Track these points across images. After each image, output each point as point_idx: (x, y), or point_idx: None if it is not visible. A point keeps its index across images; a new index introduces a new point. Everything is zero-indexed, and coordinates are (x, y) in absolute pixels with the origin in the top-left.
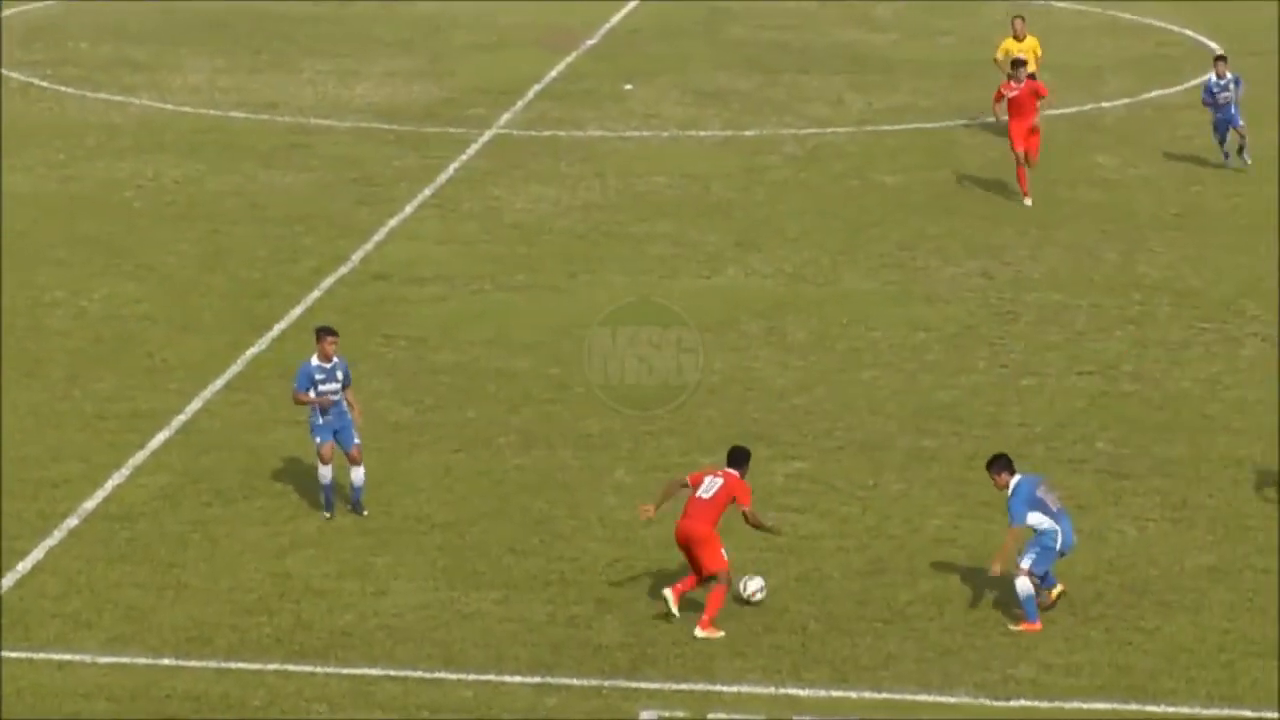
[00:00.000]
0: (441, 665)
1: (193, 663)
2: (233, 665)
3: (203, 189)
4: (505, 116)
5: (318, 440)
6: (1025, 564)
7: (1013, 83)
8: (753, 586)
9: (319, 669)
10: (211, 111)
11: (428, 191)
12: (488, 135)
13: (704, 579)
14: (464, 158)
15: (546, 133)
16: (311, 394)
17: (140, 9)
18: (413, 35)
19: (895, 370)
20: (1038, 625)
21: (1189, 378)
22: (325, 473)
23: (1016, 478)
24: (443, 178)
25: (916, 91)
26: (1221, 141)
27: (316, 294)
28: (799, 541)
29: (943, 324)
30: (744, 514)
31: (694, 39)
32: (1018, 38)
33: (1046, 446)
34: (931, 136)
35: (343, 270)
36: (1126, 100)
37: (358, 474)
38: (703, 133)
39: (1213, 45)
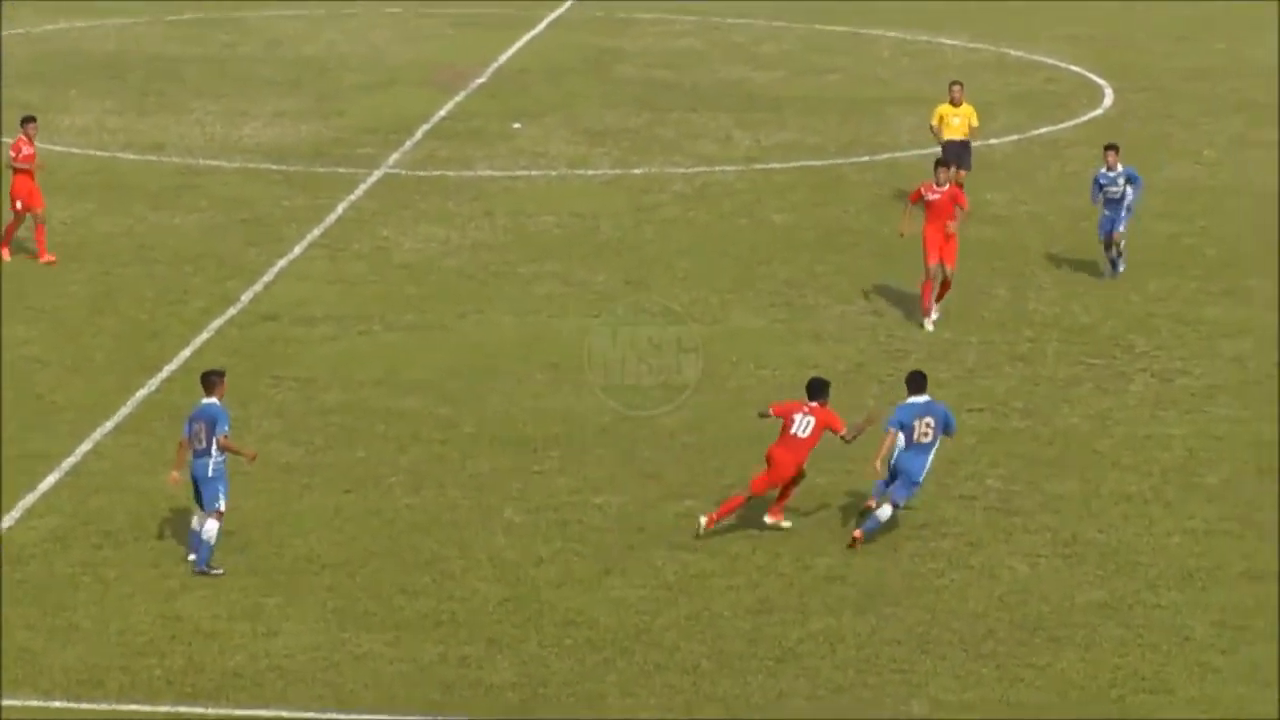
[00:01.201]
0: (333, 706)
1: (84, 705)
2: (124, 707)
3: (92, 230)
4: (394, 156)
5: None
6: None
7: (934, 185)
8: None
9: (210, 710)
10: (100, 153)
11: (317, 232)
12: (376, 175)
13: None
14: (353, 198)
15: (435, 172)
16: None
17: (28, 51)
18: (300, 76)
19: None
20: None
21: (1078, 414)
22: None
23: (920, 399)
24: (331, 218)
25: (804, 129)
26: (1107, 247)
27: (206, 335)
28: (689, 580)
29: (832, 362)
30: (842, 438)
31: (582, 78)
32: (954, 103)
33: (938, 483)
34: (819, 174)
35: (232, 311)
36: (1015, 136)
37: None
38: (591, 171)
39: (1100, 81)
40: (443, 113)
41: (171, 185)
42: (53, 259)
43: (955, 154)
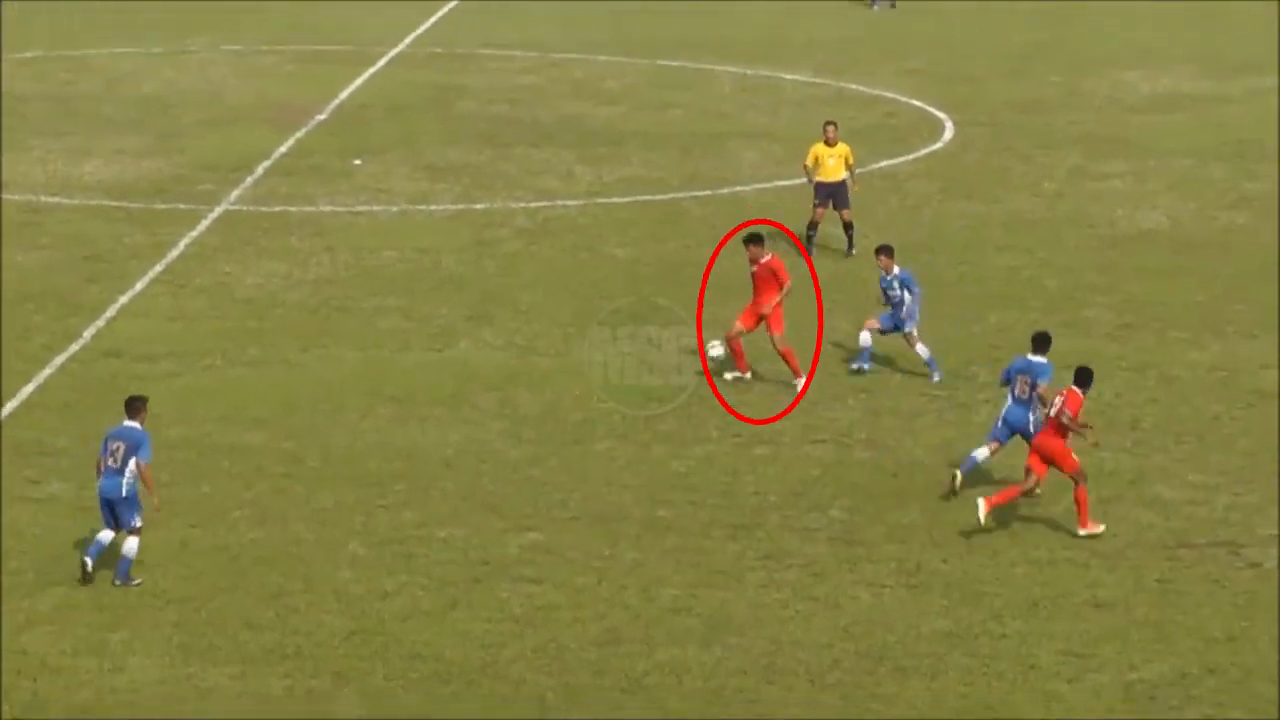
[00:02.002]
0: None
1: None
2: None
3: None
4: (235, 193)
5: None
6: None
7: (752, 260)
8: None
9: None
10: None
11: (159, 268)
12: (218, 211)
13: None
14: (194, 234)
15: (277, 208)
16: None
17: None
18: (141, 114)
19: (629, 441)
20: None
21: (921, 445)
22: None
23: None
24: (173, 254)
25: (646, 164)
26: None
27: (49, 371)
28: (535, 613)
29: (674, 394)
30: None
31: (424, 114)
32: (829, 143)
33: (781, 515)
34: (661, 208)
35: (74, 347)
36: (858, 170)
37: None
38: (433, 207)
39: (940, 114)
40: (283, 149)
41: (14, 222)
42: None
43: (830, 194)
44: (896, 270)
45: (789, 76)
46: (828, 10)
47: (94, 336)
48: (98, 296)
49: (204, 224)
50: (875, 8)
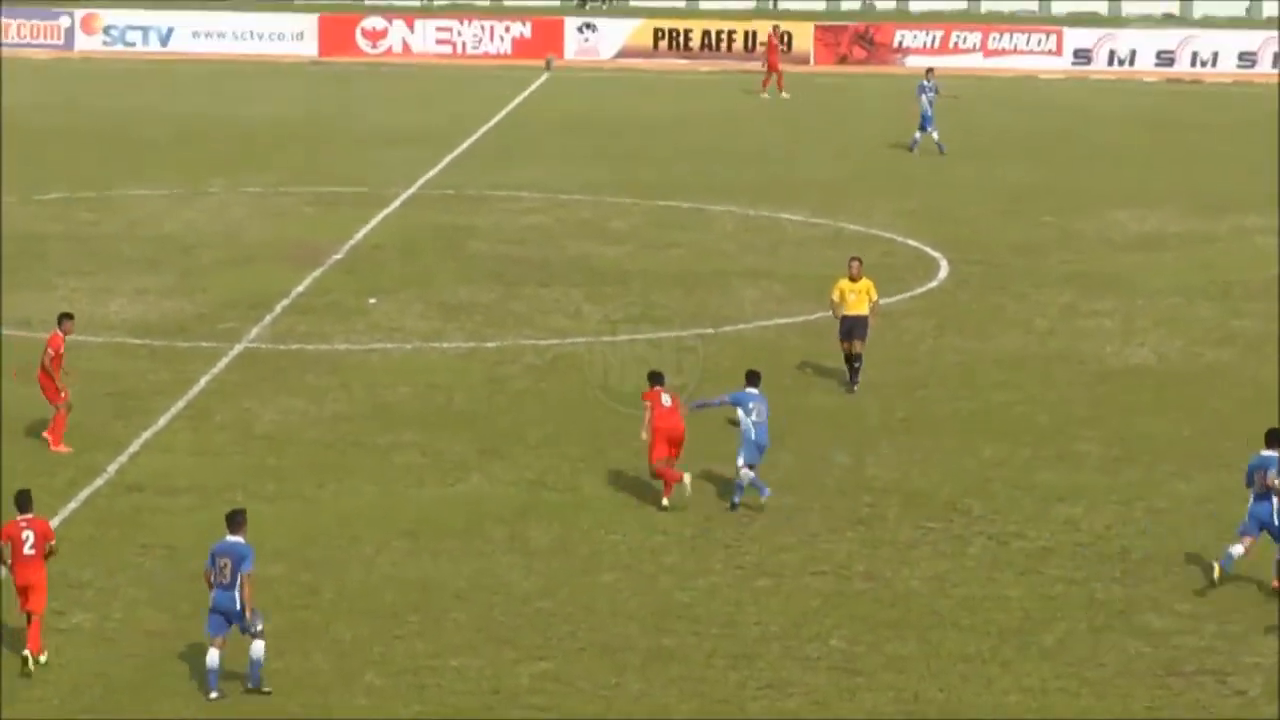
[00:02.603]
0: None
1: None
2: None
3: None
4: (254, 331)
5: None
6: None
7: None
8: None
9: None
10: None
11: (180, 404)
12: (238, 349)
13: None
14: (215, 371)
15: (294, 346)
16: None
17: None
18: (162, 254)
19: (635, 573)
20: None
21: (918, 576)
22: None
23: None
24: (195, 390)
25: (651, 302)
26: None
27: (74, 505)
28: None
29: (680, 528)
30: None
31: (436, 254)
32: (853, 278)
33: (782, 645)
34: (668, 345)
35: (98, 482)
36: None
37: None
38: (446, 344)
39: (935, 254)
40: (301, 288)
41: (38, 360)
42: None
43: (852, 327)
44: (756, 392)
45: (788, 216)
46: (824, 152)
47: (117, 471)
48: (121, 432)
49: (224, 361)
50: (914, 151)
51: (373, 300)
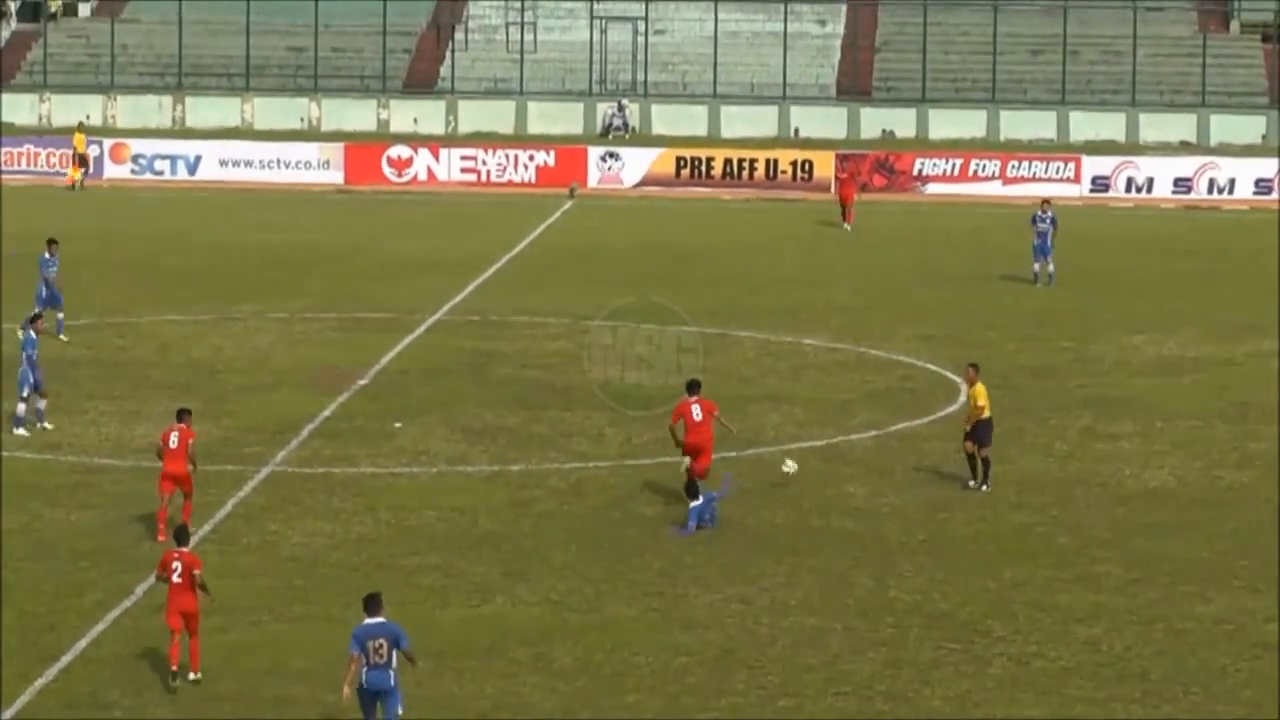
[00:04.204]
0: None
1: None
2: None
3: None
4: (281, 454)
5: None
6: None
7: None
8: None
9: None
10: None
11: (207, 527)
12: (264, 472)
13: None
14: (242, 494)
15: (320, 470)
16: None
17: None
18: (190, 378)
19: (658, 693)
20: None
21: (939, 696)
22: None
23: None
24: (222, 513)
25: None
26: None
27: (102, 626)
28: None
29: (703, 649)
30: None
31: (461, 378)
32: (970, 383)
33: None
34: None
35: (127, 603)
36: (875, 432)
37: None
38: (470, 468)
39: (954, 378)
40: (327, 413)
41: (69, 483)
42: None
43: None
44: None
45: (809, 341)
46: (845, 278)
47: (145, 593)
48: (149, 554)
49: (251, 484)
50: (1039, 284)
51: (398, 424)
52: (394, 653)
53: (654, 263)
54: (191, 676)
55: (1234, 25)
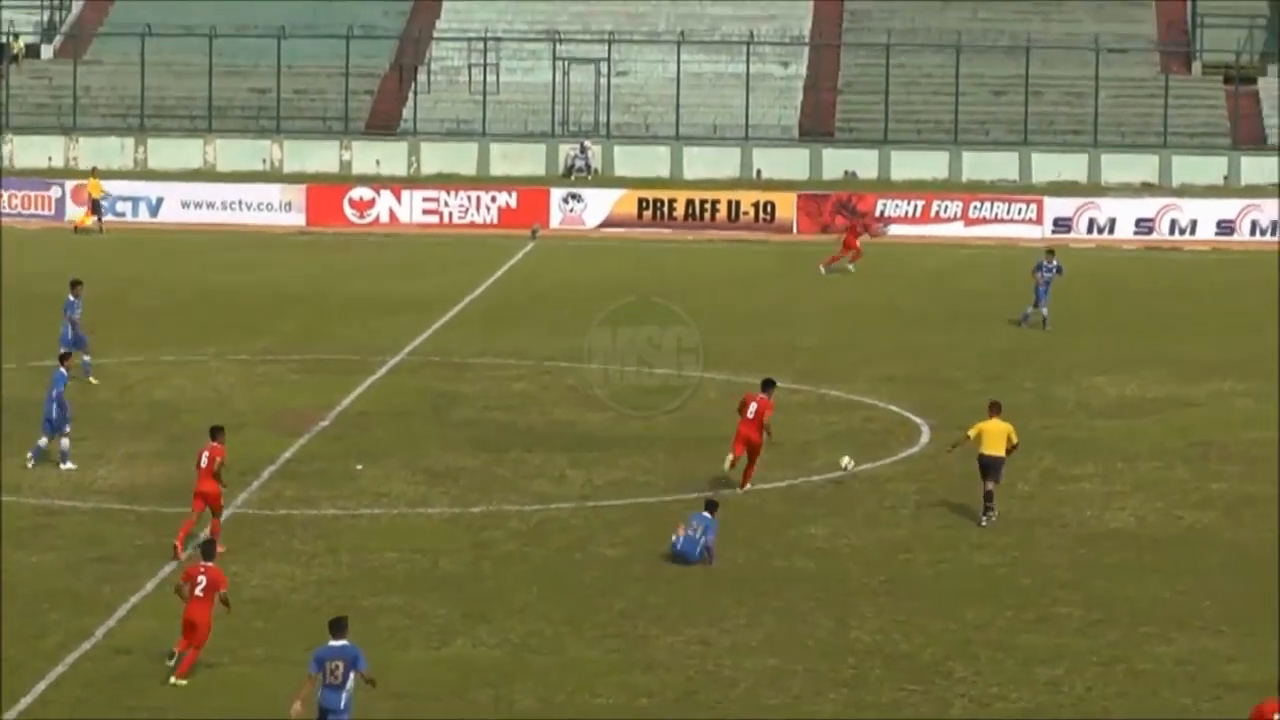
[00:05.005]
0: None
1: None
2: None
3: None
4: (242, 496)
5: None
6: None
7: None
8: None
9: None
10: None
11: (168, 569)
12: (225, 514)
13: None
14: (203, 536)
15: (281, 511)
16: None
17: None
18: (152, 419)
19: None
20: None
21: None
22: None
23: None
24: (184, 555)
25: (634, 467)
26: None
27: (61, 669)
28: None
29: (664, 690)
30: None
31: (422, 420)
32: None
33: None
34: (651, 510)
35: (86, 645)
36: (836, 474)
37: None
38: (431, 510)
39: (916, 419)
40: (288, 454)
41: (29, 525)
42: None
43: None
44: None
45: None
46: (807, 320)
47: (105, 634)
48: (110, 596)
49: None
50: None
51: (359, 466)
52: (350, 675)
53: (616, 304)
54: (173, 680)
55: (1196, 66)
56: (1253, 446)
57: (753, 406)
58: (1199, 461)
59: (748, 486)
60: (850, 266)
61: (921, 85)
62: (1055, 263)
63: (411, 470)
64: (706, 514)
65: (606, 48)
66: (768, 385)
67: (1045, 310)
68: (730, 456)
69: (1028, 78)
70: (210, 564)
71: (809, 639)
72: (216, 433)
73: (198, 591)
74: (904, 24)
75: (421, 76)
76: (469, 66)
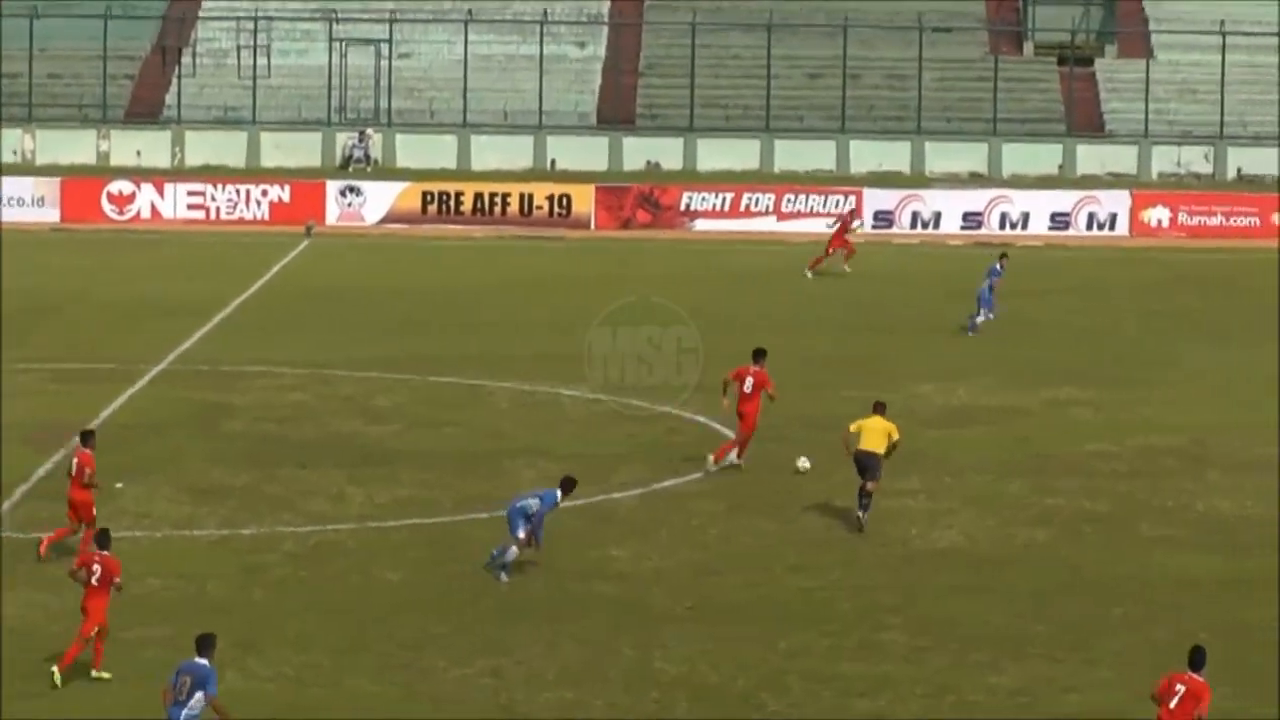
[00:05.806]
0: None
1: None
2: None
3: None
4: None
5: None
6: None
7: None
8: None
9: None
10: None
11: None
12: None
13: None
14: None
15: (35, 534)
16: None
17: None
18: None
19: None
20: None
21: None
22: None
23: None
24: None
25: (420, 484)
26: None
27: None
28: None
29: None
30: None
31: (188, 434)
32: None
33: None
34: (437, 530)
35: None
36: (639, 490)
37: None
38: (198, 531)
39: (726, 431)
40: (43, 471)
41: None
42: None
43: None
44: None
45: (568, 392)
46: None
47: None
48: None
49: None
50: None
51: (119, 484)
52: (197, 694)
53: (400, 307)
54: (94, 674)
55: (1027, 47)
56: (1092, 459)
57: (749, 381)
58: (1034, 475)
59: (724, 461)
60: (846, 267)
61: (730, 68)
62: (1003, 267)
63: (176, 488)
64: (557, 490)
65: (388, 28)
66: (759, 355)
67: (993, 315)
68: (734, 454)
69: (845, 59)
70: (106, 553)
71: (610, 670)
72: (87, 438)
73: (93, 581)
74: (711, 1)
75: (186, 59)
76: (238, 49)
